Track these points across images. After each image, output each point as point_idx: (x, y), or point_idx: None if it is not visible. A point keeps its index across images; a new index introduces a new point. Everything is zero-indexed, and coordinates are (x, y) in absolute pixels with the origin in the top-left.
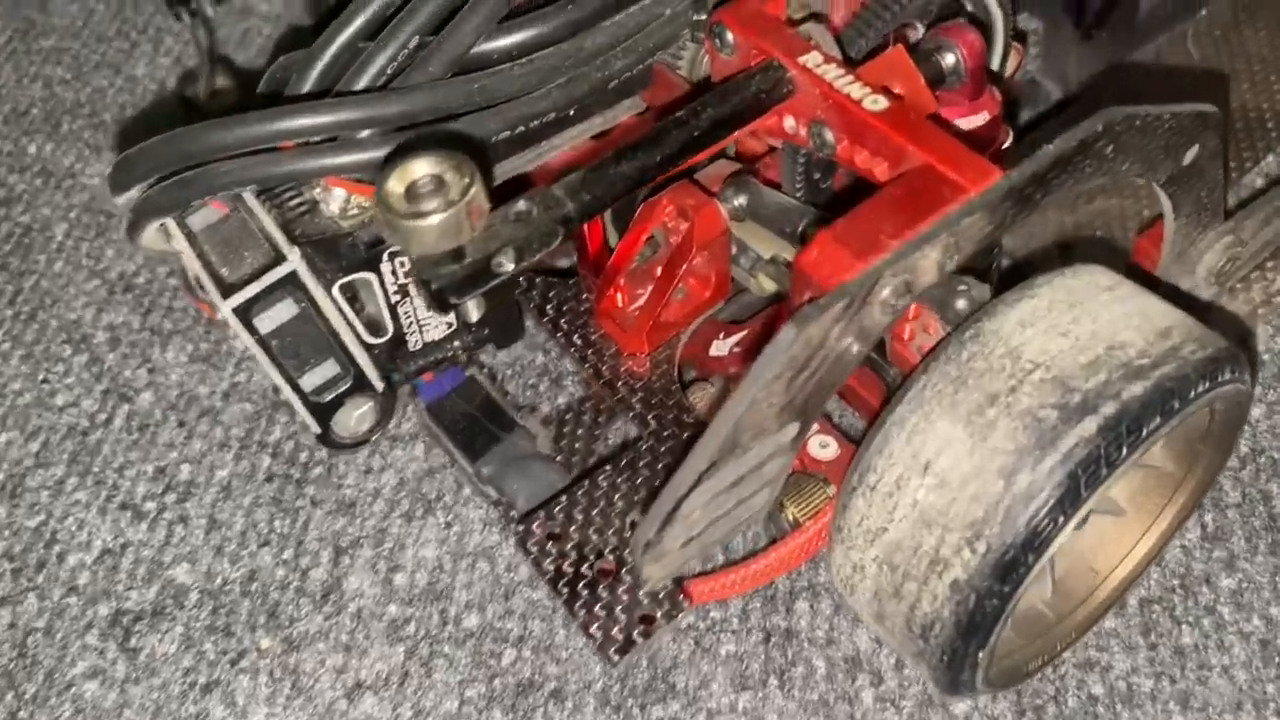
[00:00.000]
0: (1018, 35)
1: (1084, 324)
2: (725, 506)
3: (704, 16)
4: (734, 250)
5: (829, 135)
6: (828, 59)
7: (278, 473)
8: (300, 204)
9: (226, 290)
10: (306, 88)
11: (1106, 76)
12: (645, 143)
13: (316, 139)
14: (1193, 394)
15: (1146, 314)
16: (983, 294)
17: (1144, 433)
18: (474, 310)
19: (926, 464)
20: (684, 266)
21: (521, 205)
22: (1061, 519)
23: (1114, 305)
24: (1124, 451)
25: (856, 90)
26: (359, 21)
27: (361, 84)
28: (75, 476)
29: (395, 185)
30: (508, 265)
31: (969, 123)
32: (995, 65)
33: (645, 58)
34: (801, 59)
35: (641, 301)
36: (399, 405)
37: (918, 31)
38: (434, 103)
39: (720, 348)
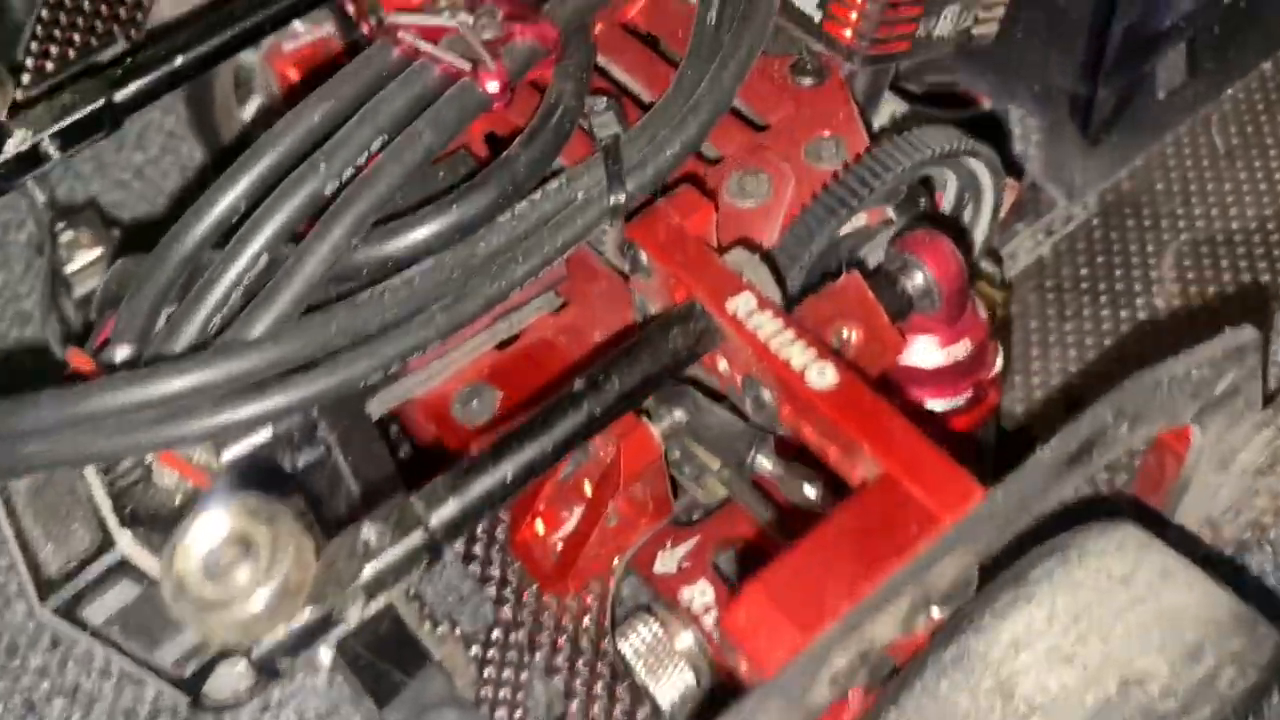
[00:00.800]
0: (1011, 168)
1: (1092, 644)
2: None
3: (621, 198)
4: (676, 454)
5: (766, 396)
6: (762, 304)
7: (164, 706)
8: (134, 469)
9: (43, 590)
10: (133, 335)
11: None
12: (534, 426)
13: None
14: None
15: (1174, 619)
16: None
17: None
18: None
19: None
20: (612, 498)
21: (369, 534)
22: None
23: (1130, 610)
24: None
25: (799, 355)
26: (200, 229)
27: (189, 333)
28: None
29: (185, 561)
30: (354, 613)
31: (950, 353)
32: (981, 239)
33: (555, 257)
34: (730, 305)
35: (567, 529)
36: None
37: (881, 234)
38: (279, 356)
39: (667, 562)
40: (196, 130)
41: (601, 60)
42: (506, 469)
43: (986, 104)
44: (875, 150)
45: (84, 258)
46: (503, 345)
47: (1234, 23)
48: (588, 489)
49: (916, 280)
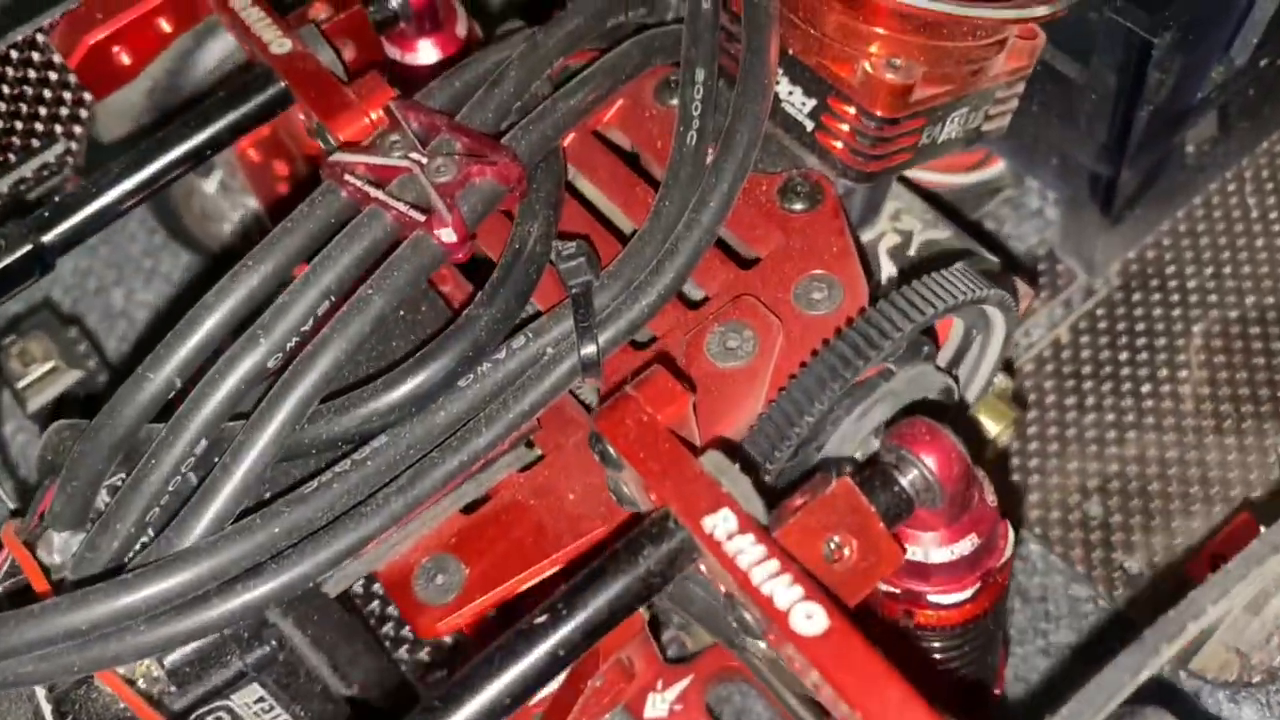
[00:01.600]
0: (1028, 276)
1: None
2: None
3: (593, 353)
4: (664, 603)
5: (749, 618)
6: (743, 525)
7: None
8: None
9: None
10: (70, 519)
11: None
12: (488, 669)
13: None
14: None
15: None
16: None
17: None
18: None
19: None
20: (593, 676)
21: None
22: None
23: None
24: None
25: (784, 592)
26: (134, 409)
27: (124, 532)
28: None
29: None
30: None
31: (954, 550)
32: (987, 374)
33: (521, 422)
34: (708, 523)
35: (545, 698)
36: None
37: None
38: (218, 567)
39: (658, 706)
40: (154, 208)
41: (572, 172)
42: None
43: (1001, 164)
44: (874, 312)
45: (36, 370)
46: (470, 508)
47: (1268, 81)
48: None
49: (915, 479)
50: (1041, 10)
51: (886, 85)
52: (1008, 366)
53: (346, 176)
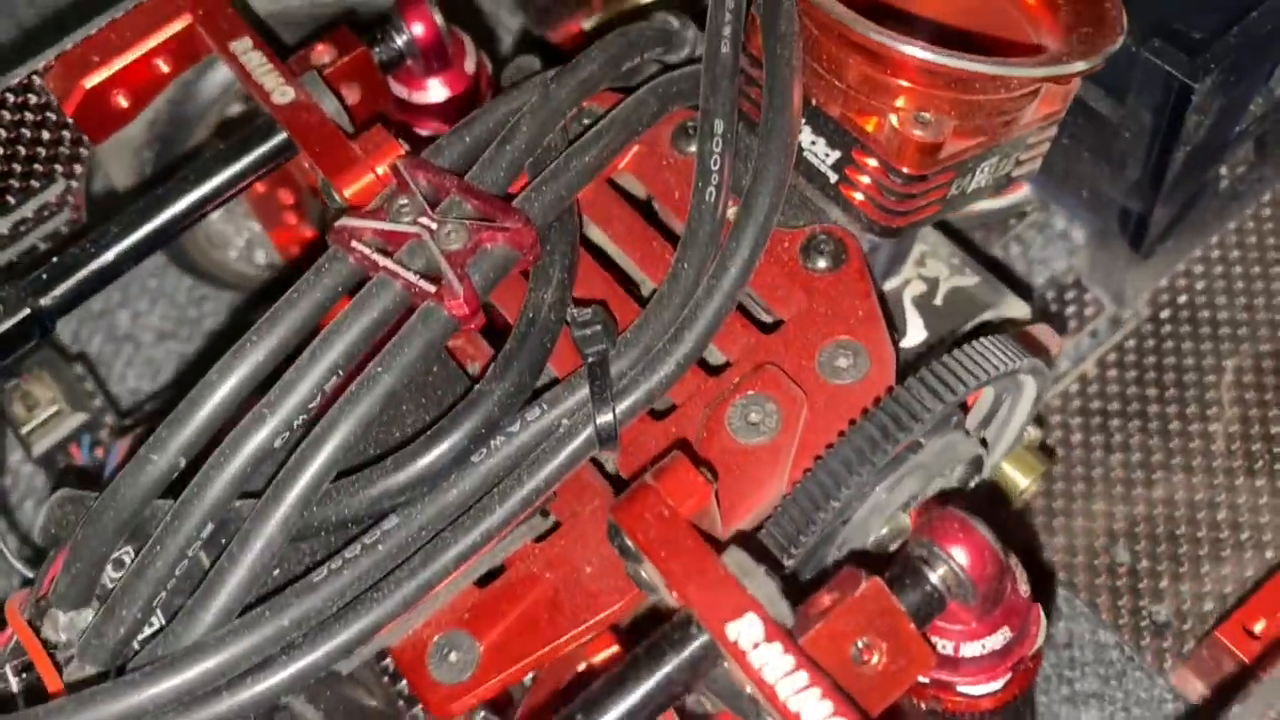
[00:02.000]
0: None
1: None
2: None
3: (611, 421)
4: None
5: None
6: (769, 633)
7: None
8: None
9: None
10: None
11: None
12: None
13: None
14: None
15: None
16: None
17: None
18: None
19: None
20: None
21: None
22: None
23: None
24: None
25: (813, 709)
26: (139, 489)
27: (130, 619)
28: None
29: None
30: None
31: (985, 644)
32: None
33: (536, 498)
34: (732, 630)
35: None
36: None
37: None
38: (227, 663)
39: None
40: None
41: (585, 222)
42: None
43: (1027, 187)
44: (904, 391)
45: (40, 415)
46: (484, 578)
47: None
48: None
49: (947, 576)
50: (1080, 66)
51: (915, 142)
52: (1037, 418)
53: (354, 243)
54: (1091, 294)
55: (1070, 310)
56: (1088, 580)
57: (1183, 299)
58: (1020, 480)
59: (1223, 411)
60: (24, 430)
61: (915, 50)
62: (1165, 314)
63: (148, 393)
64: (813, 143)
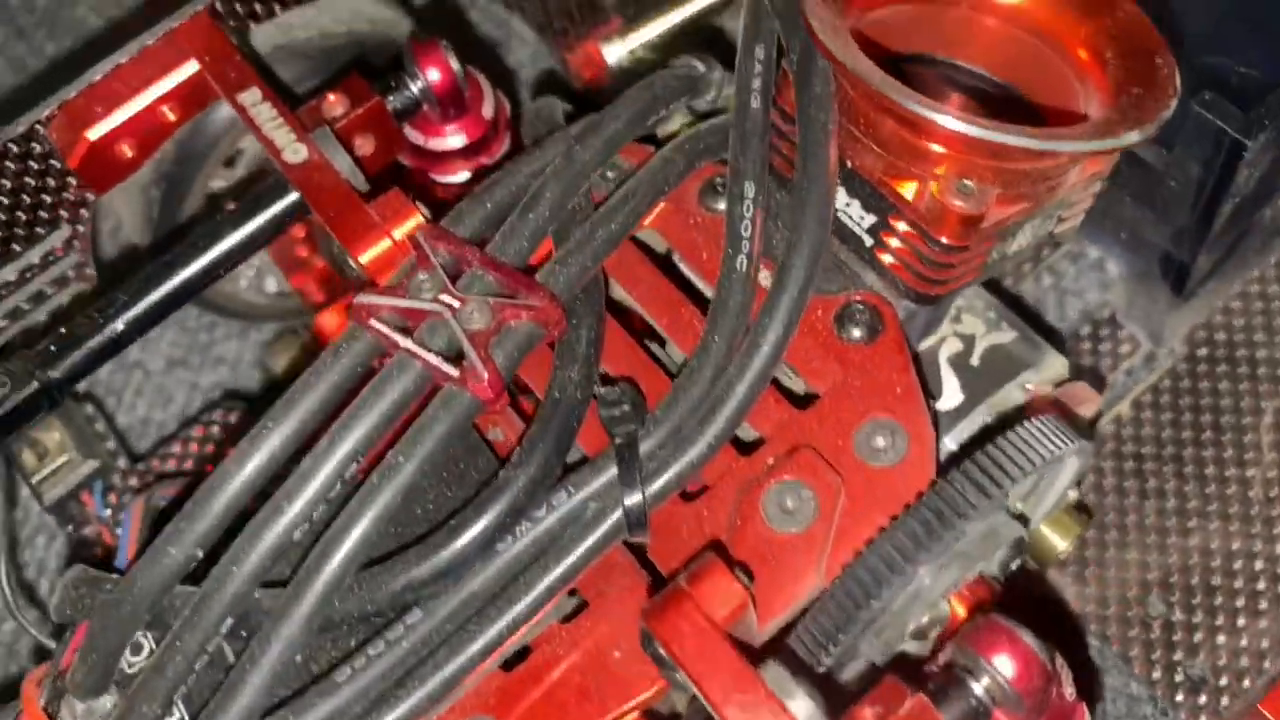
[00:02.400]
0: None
1: None
2: None
3: (640, 504)
4: None
5: None
6: None
7: None
8: None
9: None
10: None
11: None
12: None
13: None
14: None
15: None
16: None
17: None
18: None
19: None
20: None
21: None
22: None
23: None
24: None
25: None
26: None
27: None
28: None
29: None
30: None
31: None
32: (1043, 517)
33: (562, 586)
34: None
35: None
36: None
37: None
38: None
39: None
40: None
41: (610, 281)
42: None
43: None
44: (948, 485)
45: (51, 464)
46: (508, 664)
47: None
48: None
49: (991, 687)
50: (1133, 137)
51: (956, 213)
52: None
53: (372, 320)
54: (1127, 330)
55: (1104, 347)
56: (1121, 632)
57: (1220, 336)
58: (1059, 544)
59: (1261, 456)
60: (35, 480)
61: (957, 125)
62: (1202, 352)
63: (158, 422)
64: (847, 204)
